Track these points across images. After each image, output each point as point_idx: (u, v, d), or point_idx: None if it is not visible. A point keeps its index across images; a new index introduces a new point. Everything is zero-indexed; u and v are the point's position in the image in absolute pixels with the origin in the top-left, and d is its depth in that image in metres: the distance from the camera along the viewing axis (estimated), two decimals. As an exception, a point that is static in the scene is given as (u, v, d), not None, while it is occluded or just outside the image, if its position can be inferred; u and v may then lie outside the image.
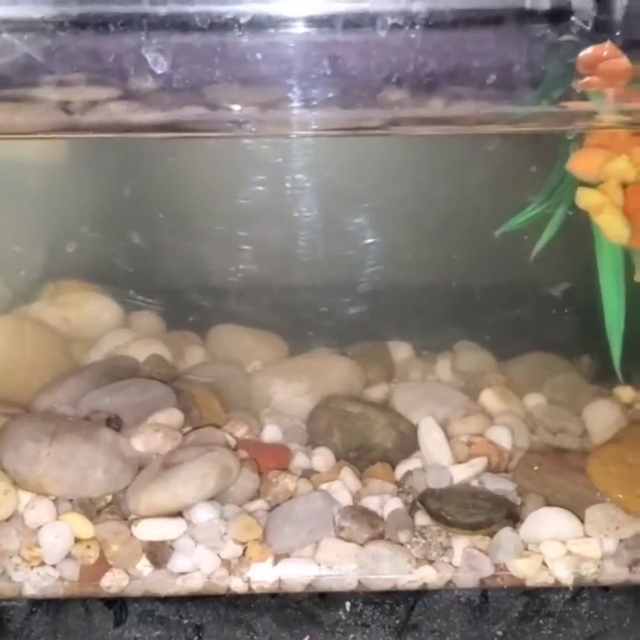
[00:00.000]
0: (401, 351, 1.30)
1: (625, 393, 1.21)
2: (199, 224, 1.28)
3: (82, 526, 0.97)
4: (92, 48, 1.17)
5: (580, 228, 1.08)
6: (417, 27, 1.13)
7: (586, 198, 1.01)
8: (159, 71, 0.99)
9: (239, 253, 1.28)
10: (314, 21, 1.25)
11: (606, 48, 1.06)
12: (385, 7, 1.25)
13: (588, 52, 1.07)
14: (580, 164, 1.01)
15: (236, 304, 1.29)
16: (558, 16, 1.32)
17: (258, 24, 1.22)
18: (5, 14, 1.21)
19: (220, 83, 1.11)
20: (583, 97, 1.04)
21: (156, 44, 1.00)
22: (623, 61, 1.03)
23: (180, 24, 1.08)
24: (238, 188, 1.24)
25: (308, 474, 1.06)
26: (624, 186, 1.01)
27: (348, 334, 1.28)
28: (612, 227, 1.01)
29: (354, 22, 1.24)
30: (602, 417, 1.15)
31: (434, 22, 1.14)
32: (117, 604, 0.98)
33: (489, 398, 1.17)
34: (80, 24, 1.11)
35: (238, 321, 1.31)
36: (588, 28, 1.25)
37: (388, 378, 1.25)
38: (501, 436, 1.09)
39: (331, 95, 1.06)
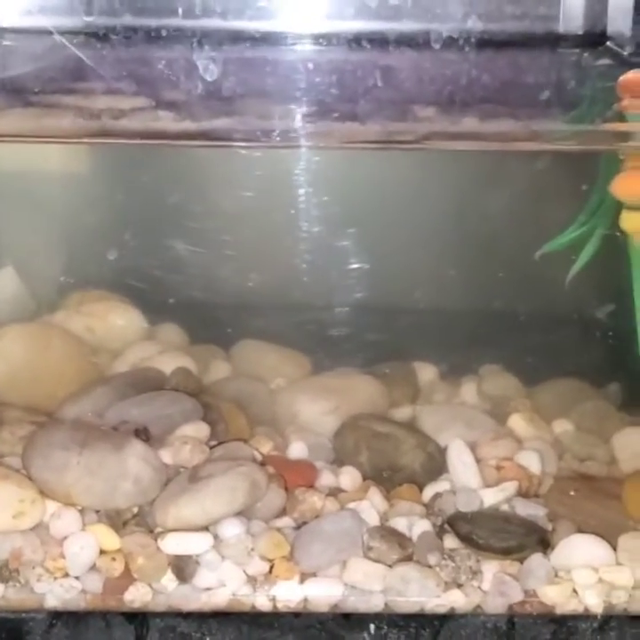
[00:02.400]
0: (426, 373, 1.28)
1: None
2: (222, 239, 1.27)
3: (108, 538, 0.95)
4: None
5: (613, 252, 1.08)
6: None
7: (630, 221, 1.00)
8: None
9: (263, 270, 1.28)
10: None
11: (647, 72, 1.06)
12: (421, 28, 1.26)
13: (629, 76, 1.07)
14: (623, 186, 1.00)
15: (258, 320, 1.28)
16: (593, 41, 1.32)
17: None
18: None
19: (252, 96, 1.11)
20: (622, 118, 1.05)
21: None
22: None
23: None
24: (265, 203, 1.24)
25: (334, 492, 1.04)
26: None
27: (372, 354, 1.27)
28: (654, 251, 1.01)
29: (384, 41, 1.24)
30: (630, 445, 1.14)
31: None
32: (138, 619, 0.96)
33: (517, 423, 1.16)
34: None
35: (260, 337, 1.29)
36: (625, 52, 1.25)
37: (412, 399, 1.24)
38: (531, 461, 1.08)
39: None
